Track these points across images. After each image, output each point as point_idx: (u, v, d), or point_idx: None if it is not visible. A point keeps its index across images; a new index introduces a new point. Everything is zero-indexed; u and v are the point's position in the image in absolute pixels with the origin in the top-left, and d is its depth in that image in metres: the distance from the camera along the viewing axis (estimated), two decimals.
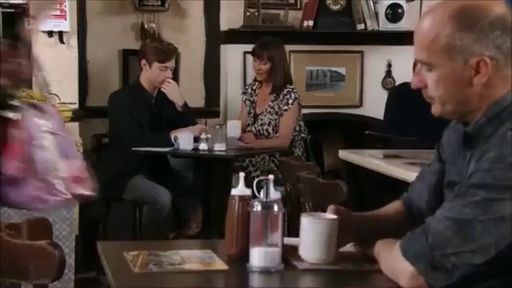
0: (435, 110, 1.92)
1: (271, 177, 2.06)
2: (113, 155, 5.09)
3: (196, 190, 5.14)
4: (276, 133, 5.32)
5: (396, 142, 4.90)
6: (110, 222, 5.20)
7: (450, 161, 1.99)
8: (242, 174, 2.13)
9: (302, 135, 5.39)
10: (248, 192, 2.10)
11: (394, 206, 2.20)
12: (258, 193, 2.04)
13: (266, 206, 2.00)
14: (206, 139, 4.87)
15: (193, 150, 4.91)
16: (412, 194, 2.16)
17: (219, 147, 4.89)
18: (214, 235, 4.89)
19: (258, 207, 2.00)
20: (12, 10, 4.74)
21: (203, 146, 4.87)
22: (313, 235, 2.01)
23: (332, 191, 3.47)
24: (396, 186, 3.78)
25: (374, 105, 6.00)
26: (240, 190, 2.11)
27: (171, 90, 5.13)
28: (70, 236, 3.14)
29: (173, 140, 4.94)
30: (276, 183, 4.79)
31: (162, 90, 5.12)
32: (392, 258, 1.85)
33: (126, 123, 5.01)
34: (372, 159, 4.11)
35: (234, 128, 5.21)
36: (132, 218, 5.15)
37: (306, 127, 5.45)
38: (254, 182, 2.09)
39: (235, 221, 2.09)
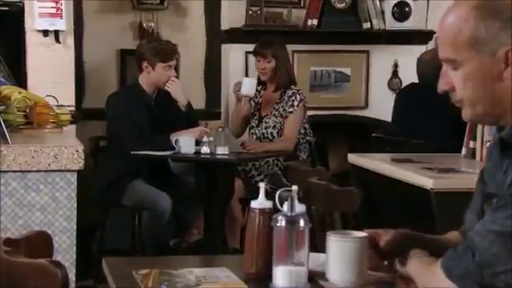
0: (465, 114, 1.76)
1: (295, 188, 1.89)
2: (111, 159, 4.96)
3: (197, 195, 4.99)
4: (281, 136, 5.18)
5: (405, 144, 4.77)
6: (108, 229, 5.07)
7: (490, 175, 1.82)
8: (262, 185, 1.97)
9: (308, 138, 5.25)
10: (269, 204, 1.95)
11: (454, 235, 2.03)
12: (281, 206, 1.87)
13: (291, 220, 1.85)
14: (208, 142, 4.72)
15: (194, 153, 4.77)
16: (466, 225, 1.99)
17: (222, 151, 4.75)
18: (217, 242, 4.78)
19: (282, 222, 1.84)
20: (6, 9, 4.61)
21: (205, 149, 4.74)
22: (341, 255, 1.85)
23: (346, 198, 3.33)
24: (409, 191, 3.64)
25: (380, 106, 5.91)
26: (260, 202, 1.95)
27: (175, 89, 5.00)
28: (70, 249, 2.96)
29: (173, 143, 4.79)
30: (282, 187, 4.64)
31: (166, 88, 4.99)
32: (433, 278, 1.70)
33: (125, 125, 4.89)
34: (385, 164, 3.95)
35: (249, 85, 5.10)
36: (131, 224, 5.02)
37: (310, 129, 5.30)
38: (277, 194, 1.92)
39: (255, 236, 1.95)
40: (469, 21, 1.70)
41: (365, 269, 1.86)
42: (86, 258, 4.35)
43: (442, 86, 1.77)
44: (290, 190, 1.89)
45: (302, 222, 1.84)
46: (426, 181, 3.39)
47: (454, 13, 1.74)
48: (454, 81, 1.74)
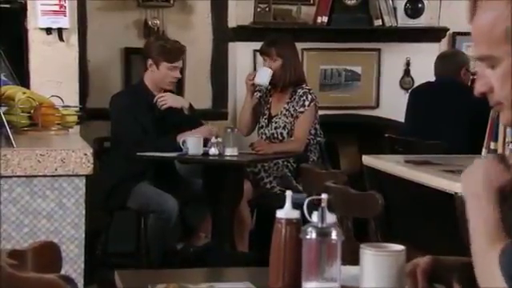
0: (504, 117, 1.61)
1: (325, 196, 1.75)
2: (115, 160, 4.85)
3: (205, 198, 4.87)
4: (291, 136, 5.05)
5: (420, 145, 4.65)
6: (113, 232, 4.94)
7: None
8: (289, 193, 1.83)
9: (318, 139, 5.12)
10: (296, 214, 1.82)
11: None
12: (310, 215, 1.74)
13: (322, 232, 1.71)
14: (217, 143, 4.60)
15: (202, 154, 4.65)
16: None
17: (230, 152, 4.64)
18: (225, 246, 4.68)
19: (312, 234, 1.70)
20: (8, 6, 4.53)
21: (213, 150, 4.62)
22: (377, 270, 1.70)
23: (366, 203, 3.19)
24: (427, 194, 3.50)
25: (392, 106, 5.81)
26: (287, 211, 1.81)
27: (172, 101, 4.90)
28: (78, 258, 2.84)
29: (181, 144, 4.67)
30: (292, 190, 4.52)
31: (163, 107, 4.84)
32: (490, 279, 1.52)
33: (129, 126, 4.78)
34: (404, 167, 3.81)
35: (264, 75, 5.00)
36: (136, 228, 4.89)
37: (321, 130, 5.19)
38: (305, 203, 1.78)
39: (282, 249, 1.82)
40: (504, 12, 1.56)
41: (403, 284, 1.72)
42: (89, 262, 4.25)
43: (479, 88, 1.63)
44: (320, 199, 1.75)
45: (333, 234, 1.70)
46: (450, 184, 3.23)
47: (488, 8, 1.60)
48: (492, 80, 1.60)
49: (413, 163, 3.86)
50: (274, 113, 5.13)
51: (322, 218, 1.72)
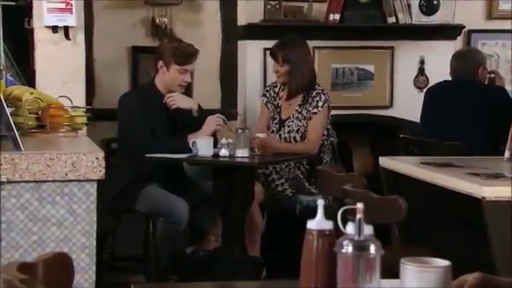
0: None
1: (360, 205, 1.63)
2: (123, 162, 4.76)
3: (215, 201, 4.75)
4: (303, 140, 4.93)
5: (437, 146, 4.54)
6: (120, 235, 4.85)
7: None
8: (320, 202, 1.70)
9: (331, 139, 5.01)
10: (329, 225, 1.69)
11: None
12: (344, 226, 1.61)
13: (360, 246, 1.59)
14: (227, 144, 4.49)
15: (213, 156, 4.54)
16: None
17: (241, 153, 4.52)
18: (236, 250, 4.59)
19: (348, 247, 1.58)
20: (13, 3, 4.46)
21: (224, 152, 4.51)
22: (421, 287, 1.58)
23: (389, 208, 3.08)
24: (447, 197, 3.38)
25: (406, 105, 5.71)
26: (318, 222, 1.69)
27: (181, 101, 4.78)
28: (89, 268, 2.74)
29: (191, 145, 4.56)
30: (304, 192, 4.37)
31: (173, 107, 4.73)
32: None
33: (137, 127, 4.68)
34: (426, 169, 3.67)
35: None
36: (144, 231, 4.80)
37: (333, 130, 5.08)
38: (339, 212, 1.65)
39: (314, 262, 1.69)
40: None
41: None
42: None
43: None
44: (355, 208, 1.63)
45: (372, 248, 1.58)
46: (477, 188, 3.10)
47: None
48: None
49: (433, 165, 3.73)
50: (285, 116, 5.01)
51: (359, 229, 1.60)
